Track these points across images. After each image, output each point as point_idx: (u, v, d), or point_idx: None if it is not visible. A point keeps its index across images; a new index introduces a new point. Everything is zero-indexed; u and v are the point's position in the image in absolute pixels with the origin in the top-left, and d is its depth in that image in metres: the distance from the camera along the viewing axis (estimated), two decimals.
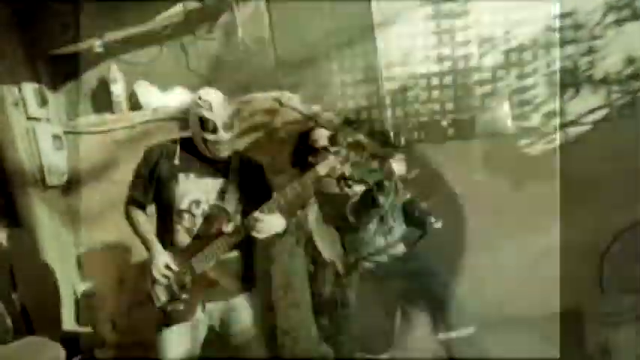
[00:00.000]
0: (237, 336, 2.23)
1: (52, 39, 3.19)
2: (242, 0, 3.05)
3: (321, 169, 2.00)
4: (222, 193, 2.16)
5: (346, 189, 2.16)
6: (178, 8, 3.05)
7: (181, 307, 2.12)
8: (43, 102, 3.24)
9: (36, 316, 3.08)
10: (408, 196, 2.44)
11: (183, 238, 2.16)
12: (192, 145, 2.19)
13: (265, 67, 3.11)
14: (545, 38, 2.93)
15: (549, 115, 3.00)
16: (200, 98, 2.12)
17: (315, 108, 3.09)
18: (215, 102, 2.10)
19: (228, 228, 2.11)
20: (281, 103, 3.06)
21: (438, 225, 2.34)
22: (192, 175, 2.15)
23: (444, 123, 3.10)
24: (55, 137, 3.27)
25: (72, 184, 3.37)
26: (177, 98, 3.21)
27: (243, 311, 2.24)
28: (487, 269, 2.94)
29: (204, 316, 2.21)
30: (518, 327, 2.75)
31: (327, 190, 2.31)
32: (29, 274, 3.16)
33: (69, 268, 3.39)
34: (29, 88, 3.17)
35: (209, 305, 2.20)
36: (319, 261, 2.76)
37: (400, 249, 2.49)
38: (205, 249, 2.11)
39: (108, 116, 3.31)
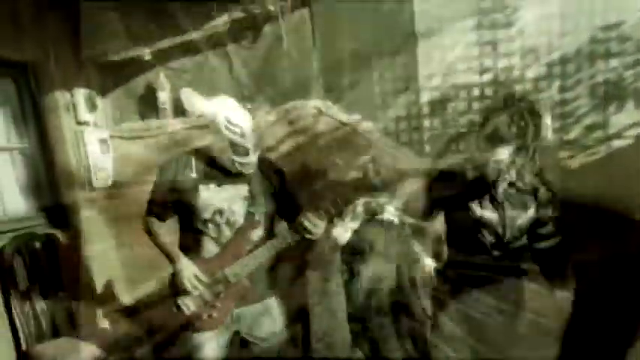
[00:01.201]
0: (266, 340, 2.23)
1: (104, 46, 3.30)
2: (287, 10, 3.11)
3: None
4: (247, 200, 2.16)
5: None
6: (224, 18, 3.13)
7: (214, 314, 2.12)
8: (93, 107, 3.37)
9: (79, 315, 3.19)
10: None
11: (209, 248, 2.15)
12: (209, 157, 2.16)
13: (307, 75, 3.17)
14: (589, 50, 2.90)
15: (591, 128, 2.96)
16: (230, 122, 2.07)
17: (355, 117, 3.12)
18: (246, 127, 2.08)
19: (258, 234, 2.14)
20: (321, 112, 3.10)
21: None
22: (212, 185, 2.14)
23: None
24: (102, 141, 3.38)
25: (117, 187, 3.47)
26: (220, 106, 3.28)
27: (273, 315, 2.26)
28: None
29: (233, 321, 2.19)
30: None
31: None
32: (75, 274, 3.28)
33: (112, 269, 3.49)
34: (80, 94, 3.31)
35: (239, 310, 2.19)
36: (354, 268, 2.80)
37: None
38: (243, 258, 2.11)
39: (153, 122, 3.41)
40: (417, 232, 2.86)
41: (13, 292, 2.77)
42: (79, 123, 3.32)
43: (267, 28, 3.22)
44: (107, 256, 3.47)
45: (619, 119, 2.91)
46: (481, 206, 2.10)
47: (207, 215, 2.11)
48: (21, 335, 2.75)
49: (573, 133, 2.98)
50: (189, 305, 2.11)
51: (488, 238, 2.10)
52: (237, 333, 2.23)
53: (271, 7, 3.06)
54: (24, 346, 2.74)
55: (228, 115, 2.09)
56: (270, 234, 2.20)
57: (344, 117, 3.12)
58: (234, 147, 2.07)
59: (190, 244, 2.16)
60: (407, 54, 3.10)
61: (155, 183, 2.21)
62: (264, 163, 2.26)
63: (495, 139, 1.98)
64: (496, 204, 2.08)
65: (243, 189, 2.16)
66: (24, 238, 2.95)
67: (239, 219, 2.13)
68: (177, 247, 2.17)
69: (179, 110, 3.37)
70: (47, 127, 3.28)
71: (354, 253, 2.82)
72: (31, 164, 3.26)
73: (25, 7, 3.05)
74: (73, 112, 3.30)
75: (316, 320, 2.96)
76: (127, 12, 3.28)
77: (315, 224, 2.04)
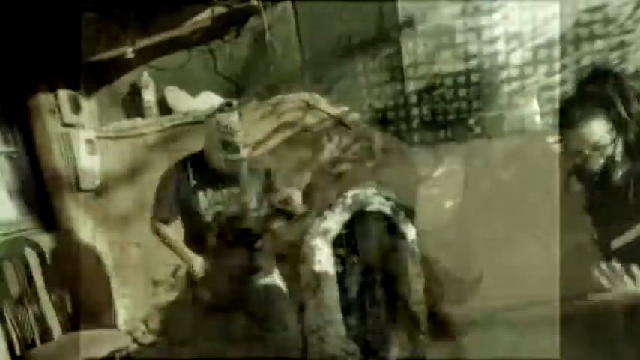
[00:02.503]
0: (278, 331, 2.36)
1: (86, 47, 3.26)
2: (269, 3, 3.09)
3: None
4: (239, 198, 2.36)
5: None
6: (206, 13, 3.10)
7: (224, 302, 2.33)
8: (78, 108, 3.34)
9: (76, 315, 3.20)
10: None
11: (213, 244, 2.35)
12: (202, 162, 2.36)
13: (292, 68, 3.15)
14: (574, 33, 2.89)
15: None
16: (219, 124, 2.25)
17: (342, 109, 3.11)
18: (234, 125, 2.24)
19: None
20: (308, 105, 3.09)
21: None
22: (209, 191, 2.34)
23: (471, 121, 3.08)
24: (89, 142, 3.36)
25: (105, 188, 3.45)
26: (206, 102, 3.26)
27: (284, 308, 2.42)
28: (513, 268, 2.90)
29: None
30: (542, 326, 2.71)
31: None
32: (66, 276, 3.26)
33: (103, 269, 3.48)
34: (64, 95, 3.27)
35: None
36: (348, 260, 2.79)
37: None
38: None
39: (139, 121, 3.38)
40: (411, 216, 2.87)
41: (3, 297, 2.75)
42: (64, 125, 3.29)
43: (250, 23, 3.19)
44: (98, 257, 3.46)
45: None
46: None
47: (209, 218, 2.33)
48: (14, 340, 2.73)
49: None
50: (202, 295, 2.35)
51: None
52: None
53: (254, 2, 3.02)
54: (17, 352, 2.73)
55: (217, 118, 2.27)
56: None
57: (331, 109, 3.11)
58: (225, 144, 2.23)
59: (195, 242, 2.40)
60: (391, 43, 3.08)
61: (157, 190, 2.42)
62: (253, 162, 2.48)
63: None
64: None
65: (235, 190, 2.36)
66: (13, 242, 2.93)
67: (238, 218, 2.34)
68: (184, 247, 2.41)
69: (164, 109, 3.34)
70: (33, 131, 3.24)
71: (346, 245, 2.82)
72: (18, 168, 3.23)
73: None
74: (58, 115, 3.26)
75: (310, 314, 2.96)
76: (108, 11, 3.26)
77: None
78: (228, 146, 2.24)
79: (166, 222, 2.42)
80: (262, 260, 2.47)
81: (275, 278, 2.51)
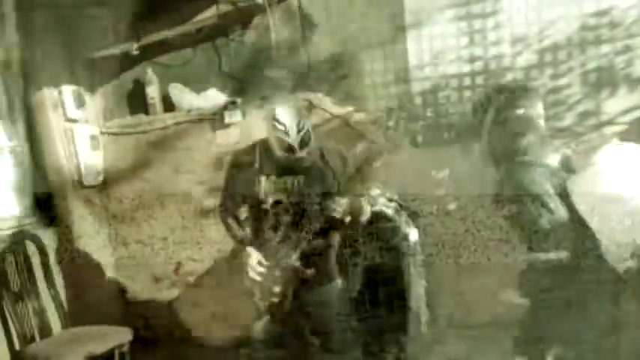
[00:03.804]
0: (327, 326, 2.33)
1: (91, 43, 3.26)
2: (275, 1, 3.07)
3: None
4: (303, 188, 2.21)
5: None
6: (212, 11, 3.09)
7: (275, 300, 2.20)
8: (81, 104, 3.33)
9: (76, 311, 3.20)
10: None
11: (270, 236, 2.23)
12: (271, 148, 2.20)
13: (297, 68, 3.14)
14: (580, 37, 2.88)
15: (584, 115, 2.95)
16: (274, 119, 2.10)
17: (347, 109, 3.11)
18: (290, 124, 2.08)
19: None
20: (312, 104, 3.08)
21: None
22: (272, 177, 2.21)
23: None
24: (92, 138, 3.37)
25: (108, 184, 3.45)
26: (210, 99, 3.26)
27: (333, 302, 2.34)
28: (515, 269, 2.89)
29: (294, 307, 2.27)
30: None
31: None
32: (67, 271, 3.26)
33: (105, 265, 3.48)
34: (68, 91, 3.27)
35: (300, 296, 2.26)
36: (349, 261, 2.78)
37: None
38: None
39: (143, 117, 3.39)
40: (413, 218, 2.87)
41: (4, 291, 2.75)
42: (68, 120, 3.29)
43: (255, 21, 3.19)
44: (101, 254, 3.46)
45: (611, 106, 2.90)
46: None
47: (267, 205, 2.20)
48: (14, 335, 2.73)
49: (566, 121, 2.97)
50: (254, 292, 2.23)
51: None
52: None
53: (259, 0, 3.02)
54: (17, 346, 2.73)
55: (276, 111, 2.11)
56: None
57: (336, 109, 3.10)
58: (281, 143, 2.09)
59: (257, 232, 2.28)
60: (397, 45, 3.07)
61: (225, 177, 2.37)
62: (329, 153, 2.29)
63: None
64: None
65: (300, 178, 2.20)
66: (15, 237, 2.93)
67: (297, 208, 2.20)
68: (245, 237, 2.30)
69: (168, 105, 3.34)
70: (36, 126, 3.24)
71: (348, 246, 2.81)
72: (22, 163, 3.23)
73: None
74: (61, 110, 3.26)
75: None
76: (114, 7, 3.26)
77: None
78: (284, 144, 2.09)
79: (230, 210, 2.34)
80: (327, 263, 2.32)
81: (339, 283, 2.38)
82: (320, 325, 2.36)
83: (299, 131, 2.08)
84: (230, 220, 2.34)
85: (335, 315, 2.35)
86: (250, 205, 2.29)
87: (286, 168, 2.19)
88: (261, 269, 2.17)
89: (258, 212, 2.25)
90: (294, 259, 2.17)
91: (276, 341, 2.34)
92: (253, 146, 2.30)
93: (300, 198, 2.20)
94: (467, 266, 2.99)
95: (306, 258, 2.19)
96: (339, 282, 2.37)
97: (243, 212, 2.35)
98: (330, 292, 2.33)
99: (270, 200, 2.19)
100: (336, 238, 2.33)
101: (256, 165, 2.23)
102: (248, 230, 2.33)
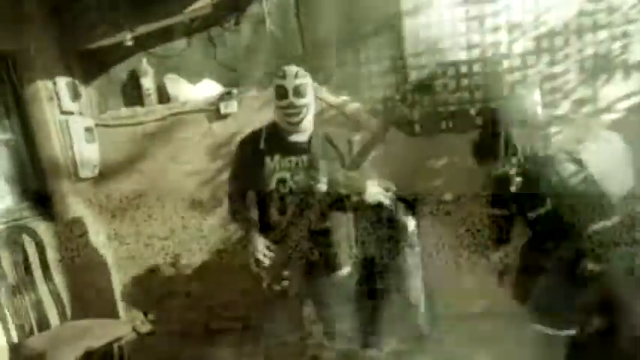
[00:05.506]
0: (338, 312, 2.34)
1: (85, 34, 3.23)
2: None
3: None
4: (308, 169, 2.21)
5: None
6: (206, 0, 3.06)
7: (285, 284, 2.21)
8: (76, 96, 3.31)
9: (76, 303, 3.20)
10: None
11: (276, 219, 2.24)
12: (277, 129, 2.27)
13: (293, 56, 3.11)
14: (577, 23, 2.86)
15: (581, 102, 2.93)
16: (279, 70, 2.22)
17: (343, 98, 3.09)
18: (288, 71, 2.18)
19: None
20: None
21: None
22: (277, 156, 2.22)
23: (473, 111, 3.06)
24: (87, 130, 3.34)
25: (103, 176, 3.43)
26: (205, 90, 3.24)
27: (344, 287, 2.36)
28: None
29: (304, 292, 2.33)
30: None
31: None
32: (63, 264, 3.25)
33: (102, 258, 3.47)
34: (63, 83, 3.25)
35: (309, 282, 2.30)
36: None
37: None
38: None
39: (138, 109, 3.37)
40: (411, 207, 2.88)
41: (1, 284, 2.74)
42: (63, 112, 3.26)
43: (250, 10, 3.16)
44: (99, 247, 3.45)
45: (608, 92, 2.89)
46: None
47: (272, 186, 2.21)
48: (11, 328, 2.73)
49: (563, 108, 2.96)
50: (263, 276, 2.23)
51: None
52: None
53: None
54: (15, 339, 2.72)
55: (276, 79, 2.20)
56: None
57: (331, 98, 3.08)
58: (278, 91, 2.17)
59: (263, 216, 2.29)
60: (393, 33, 3.05)
61: (232, 162, 2.42)
62: (336, 136, 2.30)
63: None
64: None
65: (304, 158, 2.21)
66: (11, 230, 2.91)
67: (301, 188, 2.20)
68: (252, 220, 2.30)
69: (164, 96, 3.31)
70: (31, 118, 3.22)
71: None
72: (16, 156, 3.22)
73: None
74: (56, 102, 3.24)
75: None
76: None
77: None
78: (279, 90, 2.17)
79: (238, 196, 2.34)
80: (336, 248, 2.31)
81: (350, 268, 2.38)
82: (323, 310, 2.38)
83: (295, 77, 2.17)
84: (238, 205, 2.34)
85: (339, 302, 2.36)
86: (257, 189, 2.30)
87: (290, 146, 2.22)
88: (270, 253, 2.20)
89: (264, 195, 2.26)
90: (301, 243, 2.20)
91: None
92: (259, 130, 2.33)
93: (304, 179, 2.21)
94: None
95: (314, 241, 2.22)
96: (347, 269, 2.36)
97: (251, 196, 2.36)
98: (336, 279, 2.33)
99: (274, 181, 2.21)
100: (342, 220, 2.32)
101: (262, 146, 2.25)
102: (256, 214, 2.33)
